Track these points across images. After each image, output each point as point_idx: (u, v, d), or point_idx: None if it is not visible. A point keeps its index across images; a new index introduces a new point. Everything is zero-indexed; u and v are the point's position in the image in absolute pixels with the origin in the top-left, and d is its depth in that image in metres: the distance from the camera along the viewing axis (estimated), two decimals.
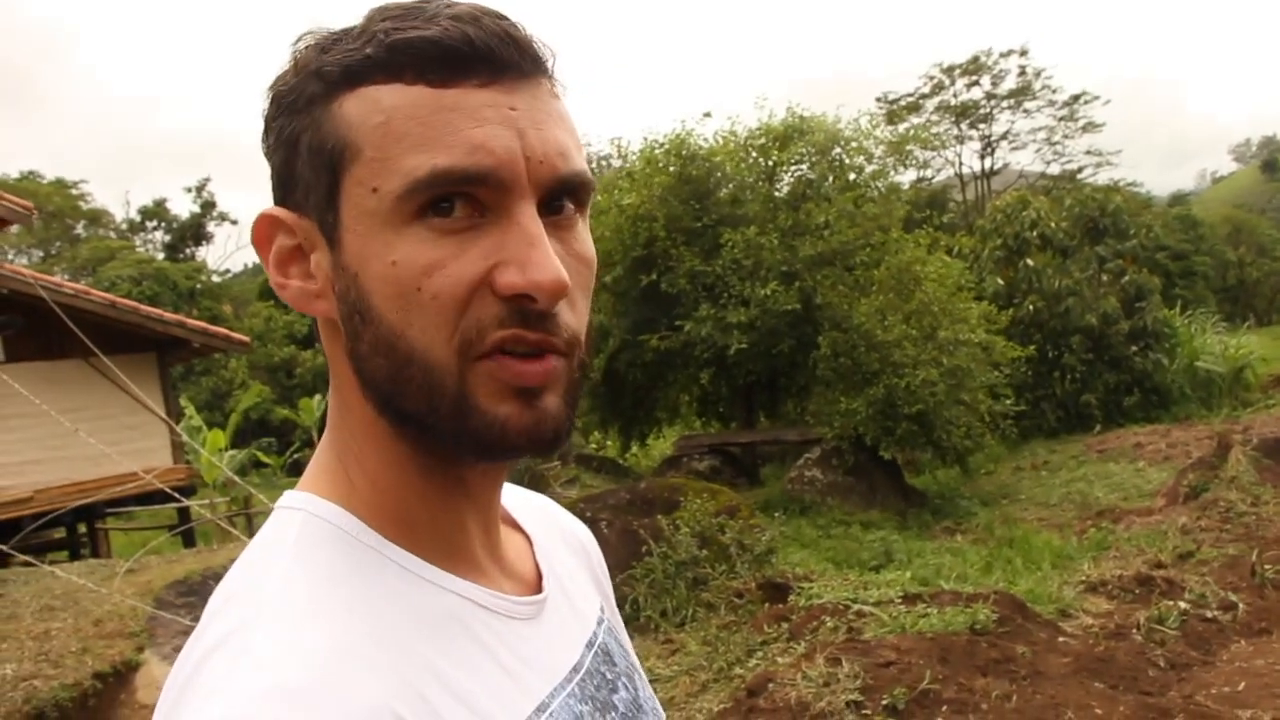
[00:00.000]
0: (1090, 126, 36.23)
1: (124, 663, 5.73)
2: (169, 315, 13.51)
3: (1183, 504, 8.41)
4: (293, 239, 0.66)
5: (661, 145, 13.59)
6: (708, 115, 15.95)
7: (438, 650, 0.62)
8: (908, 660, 4.51)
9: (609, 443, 16.54)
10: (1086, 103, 35.56)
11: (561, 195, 0.64)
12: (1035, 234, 17.83)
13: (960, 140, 36.59)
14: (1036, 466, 13.90)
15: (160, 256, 34.67)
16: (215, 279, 35.45)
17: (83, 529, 12.69)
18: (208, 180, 43.50)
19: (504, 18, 0.64)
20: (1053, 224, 18.12)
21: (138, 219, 39.25)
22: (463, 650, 0.64)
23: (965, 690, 4.26)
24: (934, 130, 30.21)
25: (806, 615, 5.61)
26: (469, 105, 0.61)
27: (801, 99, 14.83)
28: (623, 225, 13.07)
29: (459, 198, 0.61)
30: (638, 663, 0.86)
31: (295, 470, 19.35)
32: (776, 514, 9.49)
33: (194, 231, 37.42)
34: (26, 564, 6.99)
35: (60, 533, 12.75)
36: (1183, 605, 5.55)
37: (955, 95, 35.56)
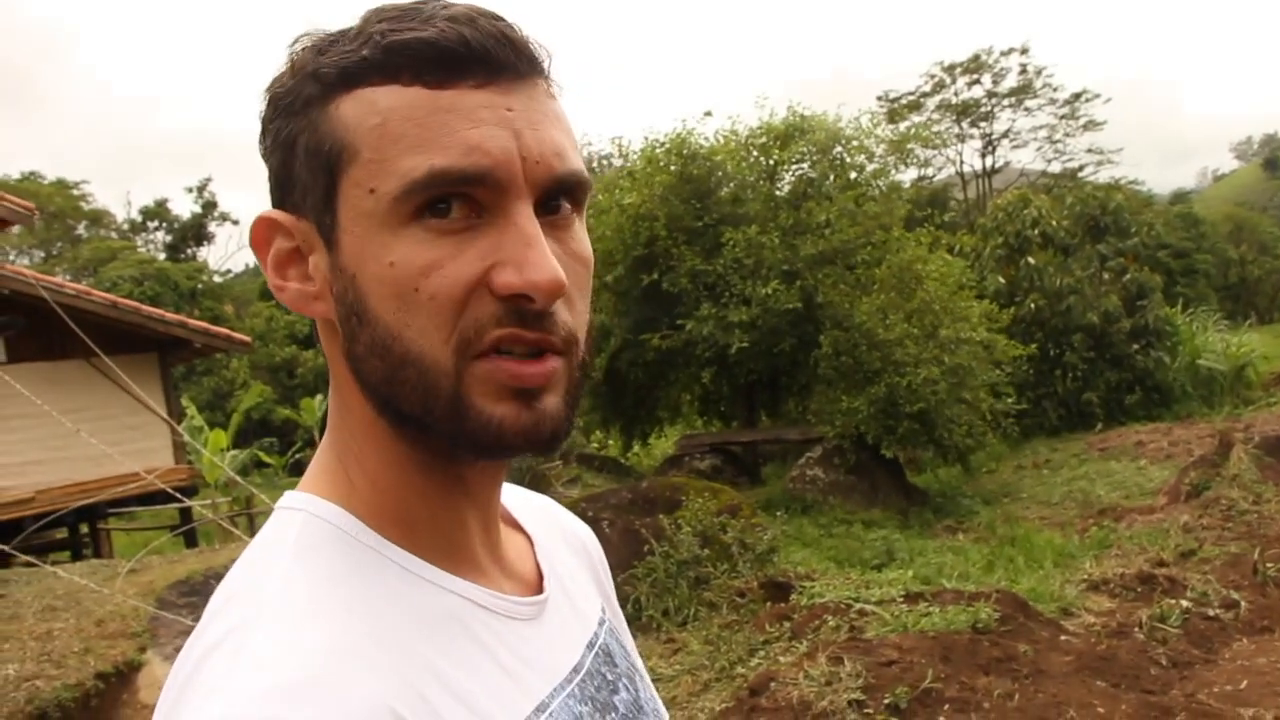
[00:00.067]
0: (1091, 125, 36.19)
1: (126, 663, 5.73)
2: (170, 315, 13.53)
3: (1184, 502, 8.40)
4: (291, 241, 0.66)
5: (662, 144, 13.57)
6: (708, 114, 15.94)
7: (437, 650, 0.62)
8: (910, 659, 4.51)
9: (610, 442, 16.54)
10: (1087, 101, 35.53)
11: (558, 195, 0.64)
12: (1036, 232, 17.81)
13: (961, 139, 36.55)
14: (1038, 465, 13.90)
15: (161, 257, 34.69)
16: (217, 279, 35.46)
17: (85, 529, 12.71)
18: (209, 180, 43.47)
19: (500, 19, 0.64)
20: (1054, 222, 18.11)
21: (139, 219, 39.28)
22: (462, 650, 0.64)
23: (967, 689, 4.26)
24: (935, 129, 30.19)
25: (808, 614, 5.61)
26: (465, 106, 0.61)
27: (801, 99, 14.82)
28: (624, 224, 13.06)
29: (456, 198, 0.61)
30: (640, 663, 0.86)
31: (297, 470, 19.37)
32: (778, 513, 9.50)
33: (195, 232, 37.44)
34: (28, 564, 7.00)
35: (62, 533, 12.77)
36: (1185, 603, 5.55)
37: (956, 94, 35.52)
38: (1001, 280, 17.01)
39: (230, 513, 13.11)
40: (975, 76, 35.10)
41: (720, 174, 13.65)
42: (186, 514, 12.22)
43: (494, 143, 0.61)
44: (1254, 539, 6.66)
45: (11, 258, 34.54)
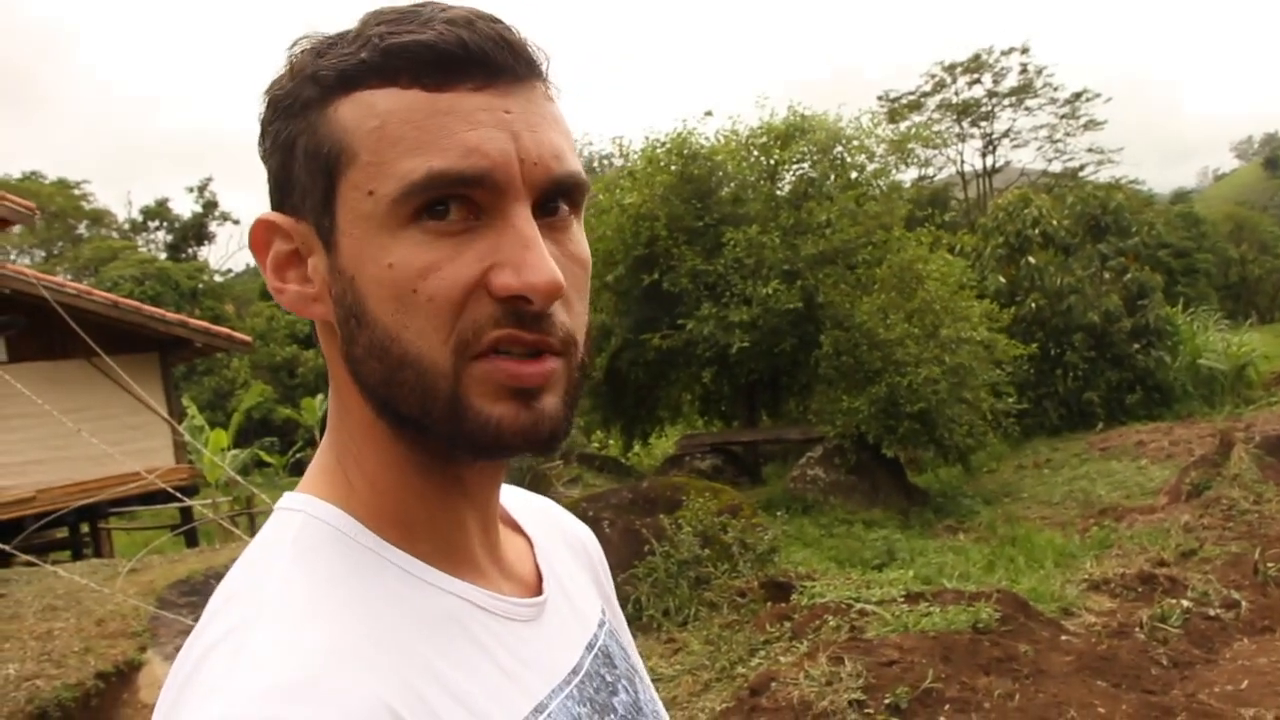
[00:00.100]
0: (1092, 124, 36.17)
1: (126, 662, 5.74)
2: (171, 315, 13.54)
3: (1185, 502, 8.40)
4: (290, 244, 0.67)
5: (663, 144, 13.57)
6: (709, 114, 15.93)
7: (436, 651, 0.62)
8: (910, 659, 4.51)
9: (611, 442, 16.53)
10: (1088, 100, 35.52)
11: (556, 197, 0.65)
12: (1037, 232, 17.81)
13: (962, 138, 36.54)
14: (1039, 465, 13.90)
15: (162, 256, 34.70)
16: (217, 278, 35.47)
17: (85, 529, 12.71)
18: (210, 180, 43.43)
19: (498, 21, 0.64)
20: (1055, 222, 18.10)
21: (140, 219, 39.29)
22: (461, 651, 0.64)
23: (968, 689, 4.26)
24: (935, 128, 30.15)
25: (809, 614, 5.61)
26: (464, 109, 0.61)
27: (802, 99, 14.83)
28: (624, 224, 13.06)
29: (454, 200, 0.61)
30: (640, 665, 0.86)
31: (298, 470, 19.37)
32: (779, 513, 9.50)
33: (196, 231, 37.46)
34: (29, 564, 7.00)
35: (63, 532, 12.77)
36: (1185, 603, 5.55)
37: (957, 93, 35.51)
38: (1002, 280, 17.01)
39: (231, 512, 13.12)
40: (976, 76, 35.10)
41: (721, 174, 13.65)
42: (187, 514, 12.23)
43: (492, 145, 0.61)
44: (1255, 539, 6.66)
45: (12, 257, 34.54)
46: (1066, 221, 18.52)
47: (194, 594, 6.50)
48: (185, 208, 39.45)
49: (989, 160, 37.37)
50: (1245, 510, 7.42)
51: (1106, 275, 17.40)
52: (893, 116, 31.04)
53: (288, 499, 0.69)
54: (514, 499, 0.85)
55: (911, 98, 35.47)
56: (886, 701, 4.18)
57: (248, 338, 15.41)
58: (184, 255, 36.33)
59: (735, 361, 12.44)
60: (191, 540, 10.91)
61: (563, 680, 0.70)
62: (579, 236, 0.67)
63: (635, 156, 14.21)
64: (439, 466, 0.67)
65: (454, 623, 0.65)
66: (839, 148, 13.63)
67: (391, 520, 0.67)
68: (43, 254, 39.06)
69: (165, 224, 38.49)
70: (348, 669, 0.56)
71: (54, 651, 5.74)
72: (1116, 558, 6.91)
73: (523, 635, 0.70)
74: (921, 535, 10.15)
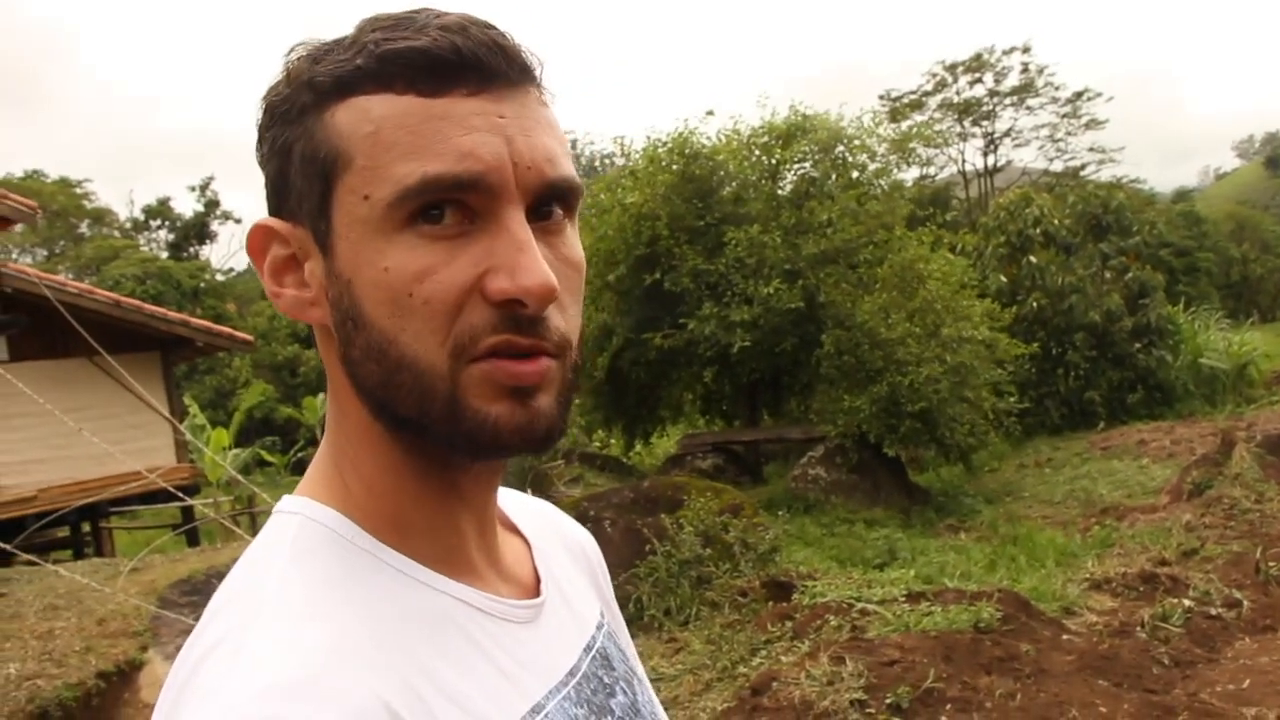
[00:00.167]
0: (1093, 123, 36.20)
1: (127, 662, 5.74)
2: (173, 314, 13.56)
3: (1187, 501, 8.40)
4: (287, 248, 0.67)
5: (665, 144, 13.56)
6: (710, 114, 15.90)
7: (433, 651, 0.63)
8: (912, 659, 4.51)
9: (613, 441, 16.53)
10: (1089, 100, 35.55)
11: (550, 201, 0.65)
12: (1038, 231, 17.80)
13: (963, 137, 36.58)
14: (1040, 464, 13.90)
15: (164, 255, 34.76)
16: (219, 278, 35.51)
17: (86, 528, 12.73)
18: (211, 179, 43.47)
19: (492, 27, 0.64)
20: (1056, 221, 18.10)
21: (141, 218, 39.35)
22: (458, 652, 0.64)
23: (969, 689, 4.26)
24: (937, 128, 30.25)
25: (810, 614, 5.61)
26: (458, 113, 0.62)
27: (803, 98, 14.83)
28: (626, 224, 13.05)
29: (449, 204, 0.61)
30: (639, 667, 0.87)
31: (299, 469, 19.40)
32: (780, 512, 9.50)
33: (198, 230, 37.50)
34: (30, 563, 7.01)
35: (64, 532, 12.79)
36: (1187, 603, 5.55)
37: (958, 93, 35.54)
38: (1003, 279, 17.01)
39: (232, 511, 13.14)
40: (977, 75, 35.12)
41: (722, 173, 13.64)
42: (188, 513, 12.24)
43: (486, 149, 0.61)
44: (1256, 538, 6.66)
45: (14, 256, 34.59)
46: (1068, 221, 18.51)
47: (195, 593, 6.50)
48: (187, 207, 39.57)
49: (990, 159, 37.40)
50: (1247, 509, 7.42)
51: (1108, 274, 17.40)
52: (894, 116, 31.07)
53: (285, 502, 0.70)
54: (512, 502, 0.86)
55: (913, 97, 35.51)
56: (888, 701, 4.18)
57: (249, 337, 15.44)
58: (186, 254, 36.37)
59: (736, 361, 12.45)
60: (193, 539, 10.92)
61: (560, 681, 0.71)
62: (573, 240, 0.68)
63: (637, 156, 14.20)
64: (435, 470, 0.67)
65: (451, 624, 0.65)
66: (840, 147, 13.63)
67: (388, 523, 0.67)
68: (44, 253, 39.13)
69: (167, 223, 38.54)
70: (347, 668, 0.57)
71: (55, 651, 5.75)
72: (1118, 557, 6.91)
73: (520, 637, 0.70)
74: (923, 535, 10.15)
